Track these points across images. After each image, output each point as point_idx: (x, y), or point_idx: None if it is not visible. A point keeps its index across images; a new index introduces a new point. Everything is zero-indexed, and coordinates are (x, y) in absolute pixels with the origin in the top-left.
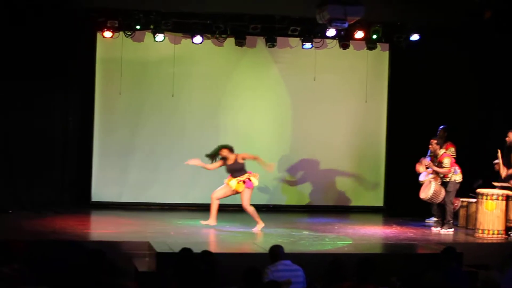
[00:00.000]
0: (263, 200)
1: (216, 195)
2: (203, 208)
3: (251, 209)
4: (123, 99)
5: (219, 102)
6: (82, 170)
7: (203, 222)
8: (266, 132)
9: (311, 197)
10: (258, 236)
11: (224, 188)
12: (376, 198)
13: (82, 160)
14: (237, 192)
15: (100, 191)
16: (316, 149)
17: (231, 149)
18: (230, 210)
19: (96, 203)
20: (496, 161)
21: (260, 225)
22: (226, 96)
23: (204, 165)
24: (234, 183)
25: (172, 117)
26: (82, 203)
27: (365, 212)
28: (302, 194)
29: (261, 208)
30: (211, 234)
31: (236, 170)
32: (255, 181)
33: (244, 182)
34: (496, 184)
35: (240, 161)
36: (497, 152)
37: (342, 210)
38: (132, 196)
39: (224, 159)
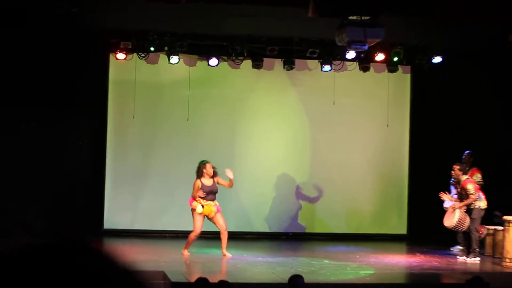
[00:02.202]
0: (282, 227)
1: (200, 230)
2: (219, 236)
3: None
4: (136, 123)
5: (235, 126)
6: (94, 196)
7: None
8: (284, 157)
9: (332, 224)
10: (277, 265)
11: (199, 220)
12: (399, 226)
13: (94, 185)
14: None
15: (113, 218)
16: (336, 175)
17: (214, 168)
18: (248, 238)
19: (109, 231)
20: None
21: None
22: (242, 120)
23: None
24: (200, 208)
25: (187, 141)
26: (95, 230)
27: (388, 240)
28: (322, 222)
29: (279, 236)
30: (227, 264)
31: (214, 193)
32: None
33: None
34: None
35: (216, 184)
36: None
37: (364, 238)
38: (146, 223)
39: (201, 176)
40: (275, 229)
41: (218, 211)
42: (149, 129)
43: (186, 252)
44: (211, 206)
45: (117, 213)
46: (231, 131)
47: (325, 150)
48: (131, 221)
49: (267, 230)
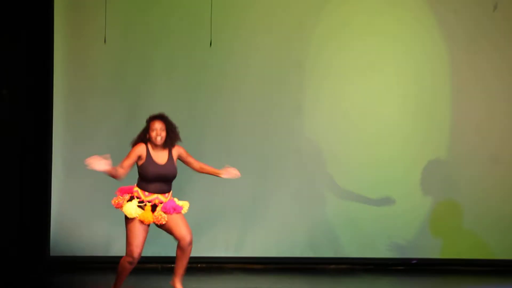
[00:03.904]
0: (397, 251)
1: (141, 252)
2: (259, 268)
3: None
4: (110, 53)
5: (301, 54)
6: (33, 201)
7: None
8: (399, 120)
9: (496, 243)
10: None
11: (137, 230)
12: None
13: (32, 182)
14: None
15: (67, 238)
16: (501, 148)
17: (171, 130)
18: (297, 268)
19: (59, 259)
20: None
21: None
22: (313, 44)
23: (110, 170)
24: (132, 209)
25: (207, 87)
26: (34, 259)
27: None
28: (474, 238)
29: (394, 266)
30: None
31: (167, 178)
32: (183, 204)
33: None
34: None
35: (175, 163)
36: None
37: None
38: (121, 247)
39: (146, 142)
40: (380, 253)
41: (174, 210)
42: (134, 66)
43: None
44: (155, 212)
45: (73, 230)
46: (295, 64)
47: (478, 104)
48: (103, 243)
49: (356, 254)
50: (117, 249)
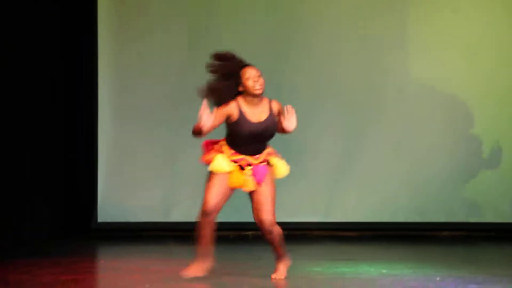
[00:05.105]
0: (496, 213)
1: (216, 206)
2: (352, 235)
3: (277, 232)
4: None
5: None
6: (78, 161)
7: (187, 274)
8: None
9: None
10: None
11: (216, 185)
12: None
13: (77, 137)
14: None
15: (116, 203)
16: None
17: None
18: (400, 235)
19: (107, 227)
20: None
21: (283, 268)
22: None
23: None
24: (222, 164)
25: (288, 24)
26: (79, 228)
27: None
28: None
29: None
30: None
31: (263, 138)
32: (281, 166)
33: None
34: None
35: (275, 119)
36: None
37: None
38: (185, 211)
39: (231, 96)
40: (495, 216)
41: (260, 177)
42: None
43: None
44: (244, 174)
45: (125, 193)
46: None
47: None
48: (160, 208)
49: (474, 219)
50: (179, 213)
